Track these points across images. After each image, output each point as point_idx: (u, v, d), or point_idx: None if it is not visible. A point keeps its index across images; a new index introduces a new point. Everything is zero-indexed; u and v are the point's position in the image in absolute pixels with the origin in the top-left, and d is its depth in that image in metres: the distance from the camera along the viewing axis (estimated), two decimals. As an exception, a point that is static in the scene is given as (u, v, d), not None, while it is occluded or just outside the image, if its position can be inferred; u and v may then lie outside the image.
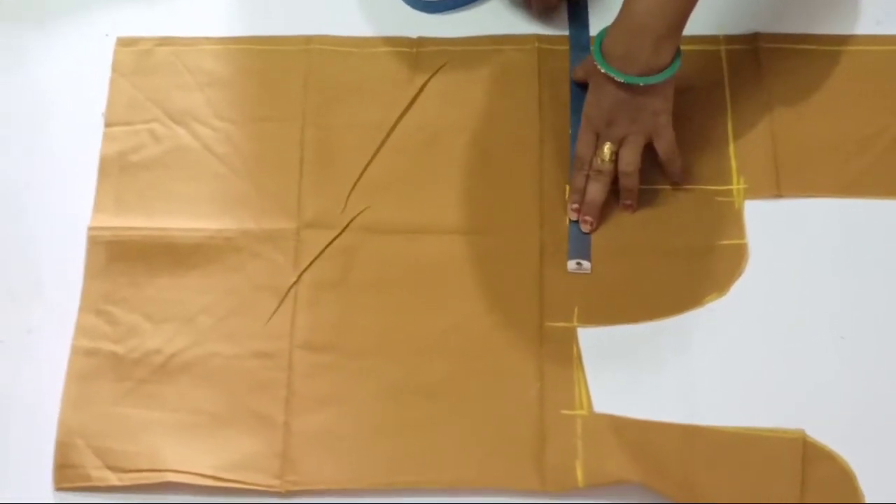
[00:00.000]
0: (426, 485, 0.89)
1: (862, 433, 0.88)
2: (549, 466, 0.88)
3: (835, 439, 0.88)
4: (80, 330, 0.94)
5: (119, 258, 0.97)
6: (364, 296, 0.95)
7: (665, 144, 0.95)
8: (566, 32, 1.06)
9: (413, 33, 1.06)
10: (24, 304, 0.96)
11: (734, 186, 0.98)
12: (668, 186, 0.98)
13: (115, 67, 1.05)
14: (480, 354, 0.93)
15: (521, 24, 1.06)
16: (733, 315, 0.93)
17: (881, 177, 0.98)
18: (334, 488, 0.89)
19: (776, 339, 0.92)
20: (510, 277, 0.95)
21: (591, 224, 0.96)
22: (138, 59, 1.06)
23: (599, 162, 0.95)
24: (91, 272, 0.97)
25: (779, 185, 0.98)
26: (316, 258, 0.97)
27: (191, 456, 0.89)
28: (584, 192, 0.96)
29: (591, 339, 0.93)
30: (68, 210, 0.99)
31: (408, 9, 1.08)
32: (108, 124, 1.03)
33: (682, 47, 0.91)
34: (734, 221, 0.97)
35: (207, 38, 1.07)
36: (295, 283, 0.96)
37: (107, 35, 1.07)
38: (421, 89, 1.03)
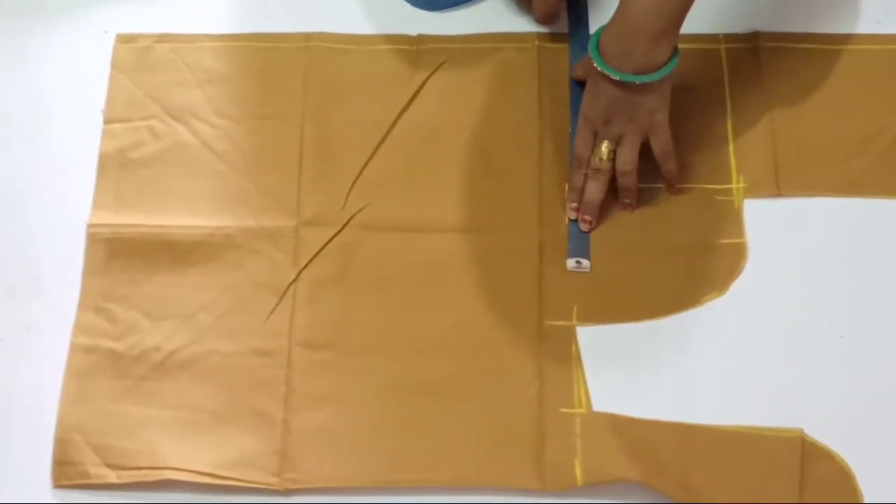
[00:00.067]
0: (425, 483, 0.89)
1: (861, 433, 0.88)
2: (548, 465, 0.88)
3: (834, 439, 0.88)
4: (80, 327, 0.94)
5: (118, 255, 0.97)
6: (363, 294, 0.95)
7: (660, 143, 0.95)
8: (566, 31, 1.06)
9: (413, 31, 1.06)
10: (24, 301, 0.96)
11: (734, 185, 0.98)
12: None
13: (115, 64, 1.05)
14: (480, 353, 0.93)
15: (521, 23, 1.06)
16: (732, 314, 0.93)
17: (881, 176, 0.98)
18: (333, 486, 0.89)
19: (775, 338, 0.92)
20: (509, 276, 0.95)
21: (590, 223, 0.96)
22: (138, 55, 1.05)
23: (597, 161, 0.95)
24: (90, 269, 0.97)
25: (778, 185, 0.98)
26: (315, 256, 0.96)
27: (190, 453, 0.89)
28: (582, 191, 0.96)
29: (591, 338, 0.93)
30: (67, 207, 0.99)
31: (407, 6, 1.08)
32: (107, 121, 1.03)
33: (682, 46, 0.91)
34: (733, 220, 0.97)
35: (207, 35, 1.06)
36: (294, 280, 0.96)
37: (106, 32, 1.07)
38: (421, 87, 1.03)
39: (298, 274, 0.96)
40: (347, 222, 0.98)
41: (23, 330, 0.95)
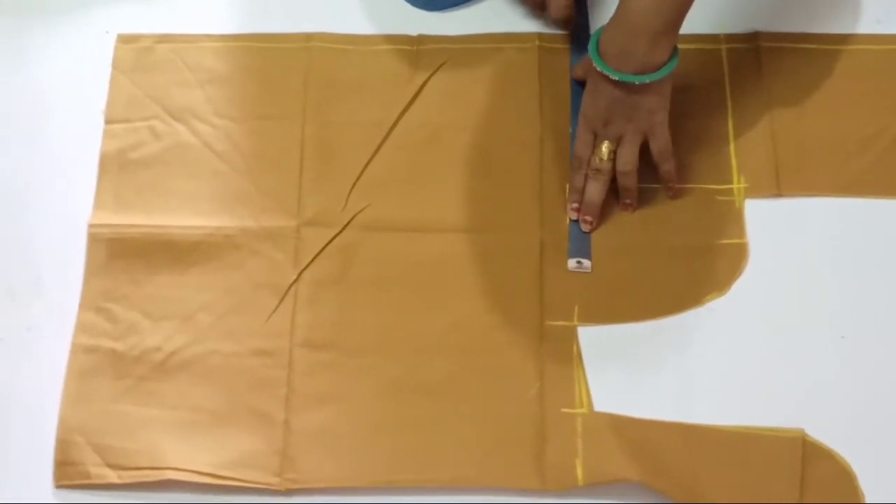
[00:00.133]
0: (426, 483, 0.89)
1: (862, 432, 0.88)
2: (549, 465, 0.88)
3: (835, 439, 0.88)
4: (80, 327, 0.94)
5: (119, 255, 0.97)
6: (364, 294, 0.95)
7: (659, 144, 0.95)
8: (566, 31, 1.06)
9: (413, 31, 1.06)
10: (24, 301, 0.96)
11: (734, 185, 0.98)
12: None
13: (116, 64, 1.05)
14: (480, 353, 0.93)
15: (522, 23, 1.06)
16: (733, 314, 0.93)
17: (881, 176, 0.98)
18: (334, 486, 0.89)
19: (776, 338, 0.92)
20: (510, 276, 0.95)
21: (591, 223, 0.96)
22: (138, 56, 1.05)
23: (597, 161, 0.95)
24: (91, 269, 0.97)
25: (779, 185, 0.98)
26: (316, 256, 0.96)
27: (190, 454, 0.89)
28: (583, 191, 0.96)
29: (592, 338, 0.93)
30: (67, 207, 0.99)
31: (408, 6, 1.08)
32: (108, 121, 1.03)
33: (682, 46, 0.91)
34: (734, 220, 0.97)
35: (208, 36, 1.06)
36: (295, 281, 0.96)
37: (107, 32, 1.07)
38: (421, 87, 1.03)
39: (299, 274, 0.96)
40: (348, 223, 0.98)
41: (23, 330, 0.95)
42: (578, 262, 0.95)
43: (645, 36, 0.88)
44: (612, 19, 0.91)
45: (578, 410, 0.90)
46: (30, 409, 0.92)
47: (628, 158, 0.95)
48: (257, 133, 1.02)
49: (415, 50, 1.05)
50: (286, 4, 1.08)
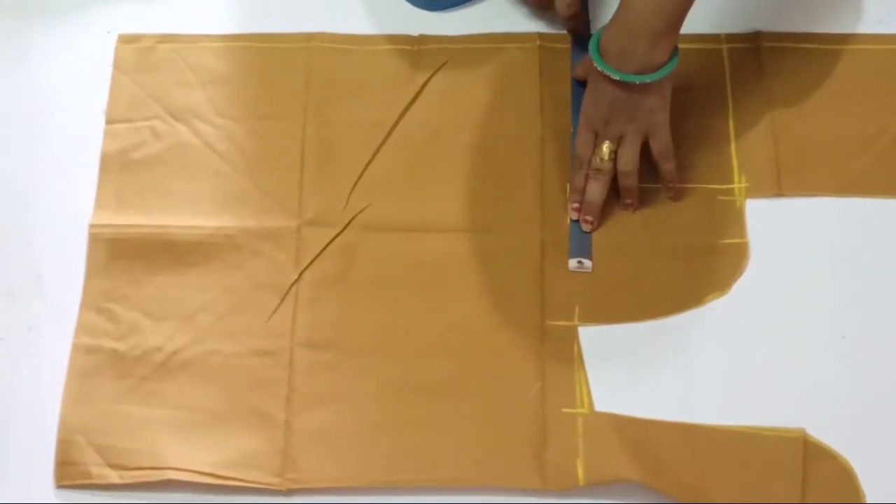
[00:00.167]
0: (426, 483, 0.89)
1: (863, 432, 0.88)
2: (549, 465, 0.88)
3: (836, 438, 0.88)
4: (81, 327, 0.94)
5: (120, 256, 0.97)
6: (365, 294, 0.95)
7: (660, 143, 0.94)
8: (574, 31, 1.06)
9: (414, 31, 1.06)
10: (25, 301, 0.96)
11: (735, 185, 0.98)
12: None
13: (117, 64, 1.05)
14: (481, 353, 0.93)
15: (523, 23, 1.06)
16: (734, 314, 0.93)
17: (882, 176, 0.98)
18: (335, 486, 0.89)
19: (777, 338, 0.92)
20: (511, 276, 0.95)
21: (592, 223, 0.96)
22: (139, 56, 1.05)
23: (598, 161, 0.95)
24: (92, 269, 0.97)
25: (780, 184, 0.98)
26: (317, 256, 0.96)
27: (191, 454, 0.89)
28: (584, 191, 0.96)
29: (592, 338, 0.93)
30: (68, 207, 0.99)
31: (409, 6, 1.08)
32: (109, 121, 1.03)
33: (683, 46, 0.91)
34: (735, 220, 0.97)
35: (208, 36, 1.06)
36: (296, 281, 0.96)
37: (108, 32, 1.07)
38: (422, 87, 1.03)
39: (300, 274, 0.96)
40: (349, 222, 0.98)
41: (24, 330, 0.95)
42: (579, 262, 0.95)
43: (645, 35, 0.88)
44: (613, 19, 0.91)
45: (579, 410, 0.90)
46: (30, 409, 0.92)
47: (629, 158, 0.95)
48: (258, 133, 1.02)
49: (416, 50, 1.05)
50: (286, 4, 1.08)
